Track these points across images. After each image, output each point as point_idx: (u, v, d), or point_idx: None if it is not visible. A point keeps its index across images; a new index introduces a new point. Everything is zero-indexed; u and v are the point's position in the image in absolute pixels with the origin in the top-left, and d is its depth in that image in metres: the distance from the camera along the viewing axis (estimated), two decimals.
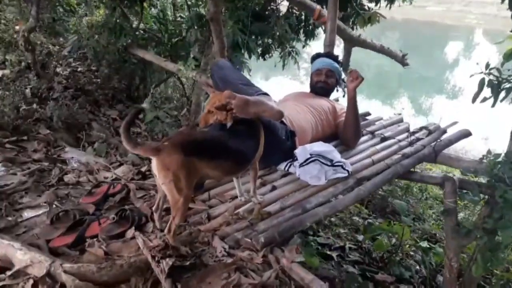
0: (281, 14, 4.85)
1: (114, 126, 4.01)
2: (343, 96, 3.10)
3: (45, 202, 1.99)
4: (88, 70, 5.13)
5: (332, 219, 3.54)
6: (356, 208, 3.82)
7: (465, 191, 2.28)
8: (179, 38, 4.67)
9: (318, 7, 3.90)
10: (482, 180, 2.42)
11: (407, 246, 3.20)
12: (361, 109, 3.33)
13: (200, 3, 4.89)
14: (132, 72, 5.03)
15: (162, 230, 1.80)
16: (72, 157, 2.59)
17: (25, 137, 2.71)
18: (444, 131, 2.86)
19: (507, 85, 2.08)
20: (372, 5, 4.93)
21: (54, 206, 2.01)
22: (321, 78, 2.91)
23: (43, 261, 1.50)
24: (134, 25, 4.84)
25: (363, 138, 2.79)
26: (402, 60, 4.75)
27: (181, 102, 4.95)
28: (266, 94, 2.19)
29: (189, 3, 4.92)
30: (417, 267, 3.02)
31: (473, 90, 2.17)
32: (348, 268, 2.68)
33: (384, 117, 3.36)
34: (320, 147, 2.32)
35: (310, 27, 5.18)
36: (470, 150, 6.66)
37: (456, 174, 3.10)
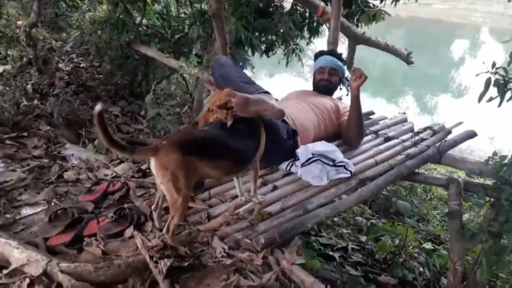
0: (285, 11, 4.79)
1: (116, 122, 3.99)
2: (347, 94, 3.06)
3: (43, 200, 1.97)
4: (90, 66, 5.11)
5: (335, 219, 3.50)
6: (360, 208, 3.78)
7: (470, 193, 2.25)
8: (182, 35, 4.63)
9: (322, 4, 3.85)
10: (488, 182, 2.37)
11: (411, 247, 3.16)
12: (366, 108, 3.29)
13: None
14: (135, 68, 5.01)
15: (161, 230, 1.77)
16: (72, 154, 2.57)
17: (25, 133, 2.69)
18: (449, 132, 2.82)
19: None
20: (377, 2, 4.87)
21: (52, 203, 1.99)
22: (324, 77, 2.87)
23: (40, 260, 1.48)
24: (137, 21, 4.81)
25: (366, 138, 2.75)
26: (407, 58, 4.70)
27: (184, 99, 4.92)
28: (267, 92, 2.15)
29: None
30: (421, 269, 2.98)
31: (479, 89, 2.13)
32: (350, 270, 2.64)
33: (388, 116, 3.31)
34: (322, 146, 2.28)
35: (314, 24, 5.13)
36: (476, 150, 6.60)
37: (461, 175, 3.06)
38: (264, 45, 4.97)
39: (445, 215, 3.54)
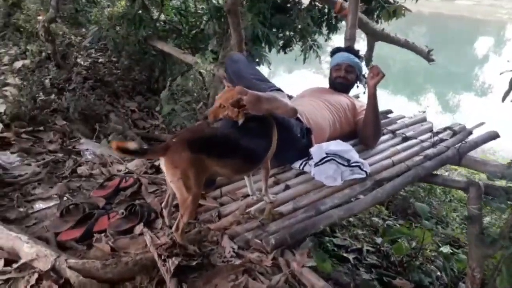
0: (303, 7, 4.72)
1: (132, 118, 4.01)
2: (364, 92, 2.99)
3: (56, 194, 1.98)
4: (108, 61, 5.15)
5: (351, 219, 3.44)
6: (376, 208, 3.71)
7: (491, 197, 2.16)
8: (198, 30, 4.62)
9: None
10: (511, 185, 2.27)
11: (428, 250, 3.08)
12: (386, 106, 3.22)
13: None
14: (152, 63, 5.03)
15: (171, 227, 1.75)
16: (87, 149, 2.58)
17: (41, 128, 2.72)
18: (470, 132, 2.72)
19: None
20: None
21: (65, 198, 2.00)
22: (341, 74, 2.80)
23: (49, 255, 1.48)
24: (154, 17, 4.81)
25: (383, 138, 2.68)
26: (427, 56, 4.57)
27: (200, 95, 4.92)
28: (279, 90, 2.11)
29: None
30: (438, 273, 2.89)
31: (504, 88, 2.05)
32: (364, 273, 2.58)
33: (408, 114, 3.24)
34: (337, 146, 2.23)
35: (333, 20, 5.04)
36: (499, 151, 6.40)
37: (484, 177, 2.95)
38: (282, 41, 4.92)
39: (464, 219, 3.43)
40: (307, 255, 1.68)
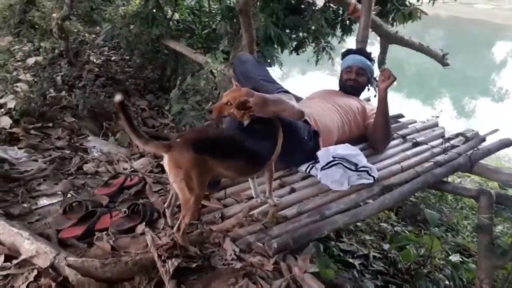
0: (317, 8, 4.68)
1: (142, 116, 4.01)
2: (375, 96, 2.94)
3: (60, 191, 1.99)
4: (121, 59, 5.18)
5: (358, 224, 3.38)
6: (385, 214, 3.64)
7: (503, 206, 2.10)
8: (210, 30, 4.61)
9: (354, 1, 3.72)
10: None
11: (437, 258, 3.01)
12: (400, 109, 3.16)
13: None
14: (164, 62, 5.03)
15: (173, 227, 1.74)
16: (94, 146, 2.59)
17: (50, 124, 2.73)
18: (483, 139, 2.65)
19: None
20: (413, 0, 4.67)
21: (69, 195, 2.01)
22: (351, 76, 2.76)
23: (48, 252, 1.48)
24: (168, 16, 4.82)
25: (393, 142, 2.62)
26: (442, 60, 4.48)
27: (211, 95, 4.92)
28: (287, 92, 2.09)
29: None
30: (446, 282, 2.82)
31: None
32: (370, 279, 2.53)
33: (422, 118, 3.17)
34: (344, 150, 2.19)
35: (348, 22, 4.99)
36: None
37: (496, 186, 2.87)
38: (294, 43, 4.89)
39: (474, 228, 3.35)
40: (309, 260, 1.65)
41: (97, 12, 5.79)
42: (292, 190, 2.09)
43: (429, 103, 11.52)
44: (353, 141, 2.48)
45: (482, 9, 25.28)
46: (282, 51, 4.58)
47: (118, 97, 1.43)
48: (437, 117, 3.98)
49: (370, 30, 4.27)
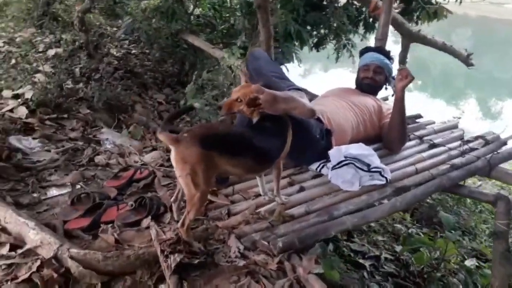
0: (339, 5, 4.59)
1: (158, 110, 4.03)
2: (392, 95, 2.86)
3: (69, 182, 2.00)
4: (141, 53, 5.21)
5: (372, 224, 3.31)
6: (399, 215, 3.56)
7: None
8: (229, 25, 4.59)
9: None
10: None
11: (452, 262, 2.92)
12: (422, 109, 3.07)
13: None
14: (184, 57, 5.04)
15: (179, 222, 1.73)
16: (107, 139, 2.60)
17: (65, 115, 2.76)
18: (504, 143, 2.55)
19: None
20: None
21: (78, 186, 2.02)
22: (368, 75, 2.69)
23: (52, 243, 1.49)
24: (189, 10, 4.82)
25: (409, 143, 2.55)
26: (466, 60, 4.35)
27: (229, 90, 4.91)
28: (299, 89, 2.05)
29: None
30: (460, 287, 2.73)
31: None
32: (375, 285, 2.47)
33: (445, 118, 3.07)
34: (357, 149, 2.13)
35: (371, 19, 4.88)
36: None
37: None
38: (315, 39, 4.82)
39: (490, 234, 3.24)
40: (315, 261, 1.62)
41: (120, 5, 5.85)
42: (301, 189, 2.05)
43: (454, 104, 11.26)
44: (368, 141, 2.42)
45: None
46: (301, 48, 4.52)
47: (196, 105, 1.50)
48: (459, 118, 3.87)
49: (392, 28, 4.19)
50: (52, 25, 4.45)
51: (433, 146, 2.51)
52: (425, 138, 2.62)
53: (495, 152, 2.39)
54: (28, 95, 2.73)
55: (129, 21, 4.65)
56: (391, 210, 1.94)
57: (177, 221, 1.74)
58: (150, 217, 1.78)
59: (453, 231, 2.73)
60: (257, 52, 2.41)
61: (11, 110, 2.58)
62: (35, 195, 1.90)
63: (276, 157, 1.78)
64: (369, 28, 4.94)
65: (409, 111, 3.13)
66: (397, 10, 4.62)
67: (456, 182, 2.19)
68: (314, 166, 2.22)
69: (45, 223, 1.66)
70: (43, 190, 1.96)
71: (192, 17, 4.84)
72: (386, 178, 2.07)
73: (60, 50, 3.75)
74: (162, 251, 1.52)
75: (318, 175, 2.18)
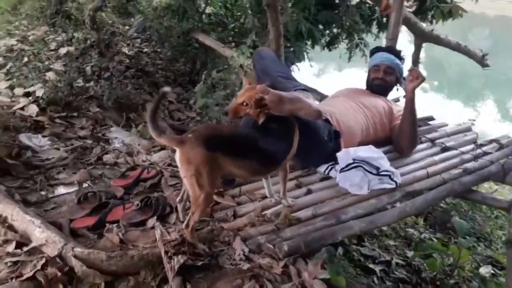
0: (352, 3, 4.54)
1: (169, 109, 4.04)
2: (403, 96, 2.81)
3: (77, 181, 2.01)
4: (153, 52, 5.24)
5: (384, 228, 3.26)
6: (412, 219, 3.49)
7: None
8: (239, 24, 4.58)
9: None
10: None
11: (466, 269, 2.85)
12: (438, 110, 3.01)
13: None
14: (195, 56, 5.05)
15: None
16: (116, 137, 2.61)
17: (75, 114, 2.78)
18: None
19: None
20: None
21: (86, 185, 2.03)
22: (379, 75, 2.64)
23: (57, 242, 1.50)
24: (200, 9, 4.82)
25: (420, 146, 2.50)
26: (481, 60, 4.25)
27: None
28: (305, 90, 2.02)
29: None
30: None
31: None
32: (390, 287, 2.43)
33: (461, 120, 3.00)
34: (366, 152, 2.09)
35: (384, 19, 4.82)
36: None
37: None
38: (327, 38, 4.77)
39: (505, 242, 3.15)
40: (321, 266, 1.59)
41: (132, 4, 5.88)
42: (309, 191, 2.02)
43: (471, 105, 11.07)
44: (378, 144, 2.38)
45: None
46: (313, 47, 4.48)
47: (166, 89, 1.56)
48: (474, 120, 3.79)
49: (405, 28, 4.12)
50: (64, 23, 4.50)
51: (445, 149, 2.46)
52: (437, 141, 2.56)
53: (510, 157, 2.33)
54: (39, 93, 2.75)
55: (141, 19, 4.67)
56: (400, 215, 1.90)
57: (183, 222, 1.74)
58: (155, 217, 1.78)
59: (467, 237, 2.66)
60: (263, 52, 2.39)
61: (22, 108, 2.61)
62: (43, 193, 1.91)
63: (282, 159, 1.76)
64: (382, 27, 4.88)
65: (424, 113, 3.08)
66: (411, 10, 4.55)
67: (468, 187, 2.14)
68: (322, 169, 2.19)
69: (51, 221, 1.67)
70: (51, 188, 1.97)
71: (203, 15, 4.84)
72: (395, 182, 2.03)
73: (71, 48, 3.78)
74: (166, 252, 1.51)
75: (326, 177, 2.15)
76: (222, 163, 1.54)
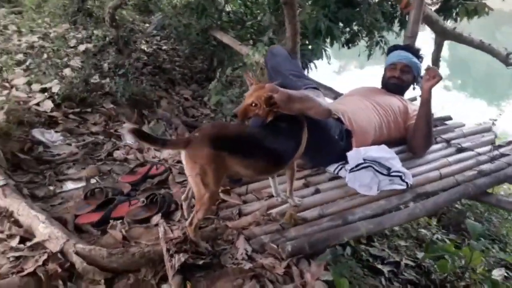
0: (374, 1, 4.44)
1: (184, 105, 4.05)
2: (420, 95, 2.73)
3: (85, 177, 2.03)
4: (172, 49, 5.27)
5: (395, 228, 3.18)
6: (425, 219, 3.40)
7: None
8: (258, 22, 4.55)
9: None
10: None
11: (478, 272, 2.75)
12: (462, 108, 2.91)
13: None
14: (213, 53, 5.05)
15: None
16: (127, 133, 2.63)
17: (89, 110, 2.82)
18: None
19: None
20: None
21: (94, 181, 2.05)
22: (395, 74, 2.57)
23: (60, 237, 1.51)
24: (220, 7, 4.82)
25: (435, 147, 2.43)
26: (505, 59, 4.10)
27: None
28: (316, 88, 1.97)
29: None
30: None
31: None
32: None
33: (485, 119, 2.91)
34: (377, 152, 2.04)
35: (407, 16, 4.70)
36: None
37: None
38: (346, 36, 4.70)
39: None
40: (324, 267, 1.56)
41: (153, 1, 5.93)
42: (317, 191, 1.99)
43: (495, 104, 10.74)
44: (392, 143, 2.32)
45: None
46: (331, 45, 4.41)
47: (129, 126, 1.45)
48: (495, 120, 3.65)
49: (425, 25, 4.01)
50: (85, 21, 4.57)
51: (460, 150, 2.38)
52: (453, 141, 2.48)
53: None
54: (55, 89, 2.80)
55: (160, 17, 4.70)
56: (409, 218, 1.85)
57: (187, 220, 1.74)
58: (160, 214, 1.77)
59: (482, 239, 2.57)
60: (275, 49, 2.36)
61: (37, 104, 2.65)
62: (51, 188, 1.93)
63: (289, 158, 1.73)
64: (404, 25, 4.74)
65: (446, 111, 2.98)
66: (434, 8, 4.42)
67: (482, 190, 2.06)
68: (332, 168, 2.15)
69: (57, 217, 1.69)
70: (59, 183, 2.00)
71: (223, 13, 4.84)
72: (407, 183, 1.98)
73: (90, 45, 3.83)
74: (168, 250, 1.50)
75: (336, 177, 2.11)
76: (228, 162, 1.53)
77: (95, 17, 4.68)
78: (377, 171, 1.97)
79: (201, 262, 1.51)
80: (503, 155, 2.29)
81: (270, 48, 2.52)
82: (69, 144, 2.34)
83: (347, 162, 2.09)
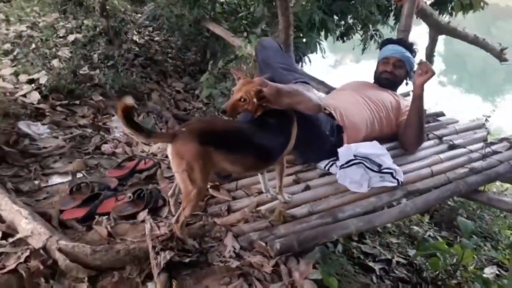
0: None
1: (175, 98, 4.00)
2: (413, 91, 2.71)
3: (71, 171, 1.99)
4: (164, 40, 5.19)
5: (388, 225, 3.17)
6: (417, 216, 3.40)
7: None
8: (251, 14, 4.49)
9: None
10: None
11: (469, 269, 2.76)
12: (457, 103, 2.90)
13: None
14: (206, 45, 4.99)
15: None
16: (116, 127, 2.59)
17: (77, 102, 2.76)
18: None
19: None
20: None
21: (80, 175, 2.00)
22: (388, 68, 2.54)
23: (42, 234, 1.47)
24: None
25: (426, 143, 2.41)
26: (499, 55, 4.08)
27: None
28: (306, 82, 1.94)
29: None
30: None
31: None
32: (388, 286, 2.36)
33: (479, 115, 2.88)
34: (368, 148, 2.02)
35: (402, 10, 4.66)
36: None
37: None
38: (341, 29, 4.65)
39: (507, 246, 3.04)
40: (312, 266, 1.54)
41: None
42: (307, 188, 1.97)
43: (490, 100, 10.78)
44: (383, 139, 2.30)
45: None
46: (326, 38, 4.37)
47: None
48: (489, 116, 3.65)
49: (418, 18, 3.97)
50: (75, 10, 4.47)
51: (452, 147, 2.37)
52: (445, 138, 2.47)
53: None
54: (43, 80, 2.73)
55: (152, 7, 4.63)
56: (400, 215, 1.84)
57: (174, 216, 1.71)
58: (147, 210, 1.74)
59: (474, 236, 2.56)
60: (266, 42, 2.31)
61: (24, 95, 2.59)
62: (36, 182, 1.89)
63: (278, 154, 1.70)
64: (399, 18, 4.70)
65: (440, 107, 2.96)
66: (429, 2, 4.39)
67: (474, 188, 2.05)
68: (322, 164, 2.12)
69: (41, 212, 1.64)
70: (45, 177, 1.95)
71: (216, 4, 4.77)
72: (398, 180, 1.96)
73: (80, 35, 3.75)
74: (154, 247, 1.47)
75: (326, 173, 2.09)
76: (215, 158, 1.49)
77: (85, 6, 4.59)
78: (368, 167, 1.95)
79: (187, 260, 1.48)
80: (495, 152, 2.28)
81: (260, 40, 2.47)
82: (56, 137, 2.29)
83: (337, 159, 2.06)
